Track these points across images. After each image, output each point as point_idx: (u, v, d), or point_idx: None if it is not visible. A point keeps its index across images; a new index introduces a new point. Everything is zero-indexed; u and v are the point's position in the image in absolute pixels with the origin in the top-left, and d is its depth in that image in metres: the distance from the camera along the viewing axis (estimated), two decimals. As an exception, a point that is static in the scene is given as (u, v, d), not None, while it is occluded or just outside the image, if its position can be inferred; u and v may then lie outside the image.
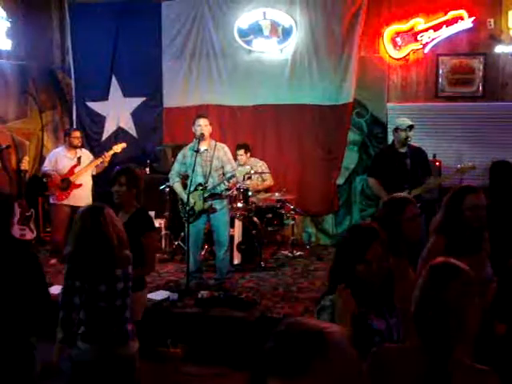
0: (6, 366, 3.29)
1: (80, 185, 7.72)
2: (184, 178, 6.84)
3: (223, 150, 6.75)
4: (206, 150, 6.63)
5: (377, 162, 6.89)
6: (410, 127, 6.54)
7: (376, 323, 2.54)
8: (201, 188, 6.54)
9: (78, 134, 7.92)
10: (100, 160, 7.80)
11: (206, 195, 6.53)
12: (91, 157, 8.04)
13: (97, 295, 3.46)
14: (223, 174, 6.70)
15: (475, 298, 2.01)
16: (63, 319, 3.49)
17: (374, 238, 2.58)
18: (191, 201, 6.50)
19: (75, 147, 7.83)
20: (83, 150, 8.04)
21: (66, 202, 7.66)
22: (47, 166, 7.81)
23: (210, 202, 6.58)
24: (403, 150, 6.51)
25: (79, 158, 7.81)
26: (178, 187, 6.82)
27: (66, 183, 7.66)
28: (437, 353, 1.97)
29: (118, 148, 8.15)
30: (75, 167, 7.78)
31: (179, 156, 6.86)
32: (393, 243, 3.16)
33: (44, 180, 8.00)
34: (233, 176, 6.76)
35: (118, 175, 4.49)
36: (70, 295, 3.48)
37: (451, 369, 1.95)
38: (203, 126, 6.61)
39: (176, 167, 6.83)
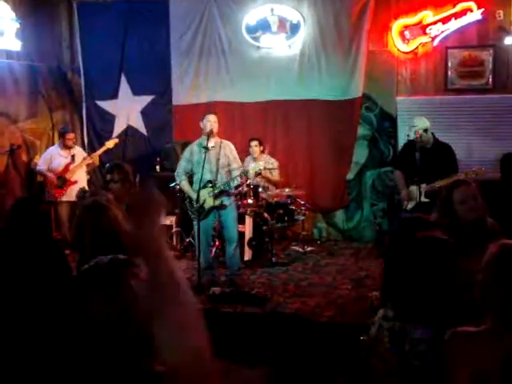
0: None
1: (75, 181, 8.02)
2: (189, 176, 6.86)
3: (229, 148, 6.79)
4: (213, 147, 6.65)
5: (399, 154, 7.18)
6: (413, 127, 6.58)
7: (420, 332, 2.49)
8: (210, 185, 6.57)
9: (72, 135, 8.28)
10: (89, 159, 8.15)
11: (216, 192, 6.56)
12: (84, 153, 8.41)
13: None
14: (229, 171, 6.71)
15: None
16: None
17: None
18: (201, 198, 6.53)
19: (70, 147, 8.15)
20: (76, 147, 8.33)
21: (64, 198, 7.97)
22: (42, 164, 8.14)
23: (221, 199, 6.61)
24: (422, 145, 6.52)
25: (73, 156, 8.16)
26: (185, 185, 6.81)
27: (62, 181, 7.96)
28: None
29: (111, 143, 8.42)
30: (70, 165, 8.09)
31: (186, 153, 6.86)
32: (452, 227, 3.37)
33: (38, 179, 8.23)
34: (246, 172, 6.73)
35: (110, 173, 4.53)
36: None
37: None
38: (213, 122, 6.63)
39: (182, 165, 6.83)
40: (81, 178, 8.13)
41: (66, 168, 8.03)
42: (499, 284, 2.08)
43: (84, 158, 8.19)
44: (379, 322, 2.59)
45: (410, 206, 6.54)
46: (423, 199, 6.34)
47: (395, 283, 2.61)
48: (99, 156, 8.40)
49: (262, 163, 7.09)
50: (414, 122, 6.61)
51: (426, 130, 6.55)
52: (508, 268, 2.08)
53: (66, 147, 8.13)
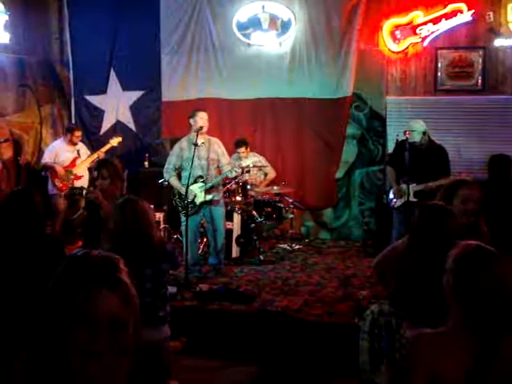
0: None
1: (81, 176, 8.01)
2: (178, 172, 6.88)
3: (217, 144, 6.87)
4: (203, 143, 6.69)
5: (392, 152, 7.19)
6: (412, 131, 6.61)
7: (410, 332, 2.46)
8: (201, 180, 6.61)
9: (80, 132, 8.20)
10: (96, 155, 8.06)
11: (208, 187, 6.64)
12: (87, 150, 8.31)
13: None
14: (218, 167, 6.82)
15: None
16: None
17: None
18: (192, 194, 6.55)
19: (75, 144, 8.09)
20: (80, 143, 8.21)
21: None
22: (47, 158, 8.04)
23: (212, 194, 6.68)
24: (418, 146, 6.60)
25: (78, 151, 8.07)
26: (175, 181, 6.83)
27: (69, 174, 7.91)
28: (486, 335, 1.99)
29: (115, 141, 8.31)
30: (76, 159, 8.02)
31: (176, 149, 6.85)
32: None
33: (42, 173, 8.11)
34: (240, 166, 6.96)
35: (99, 169, 4.51)
36: None
37: (500, 349, 1.97)
38: (205, 119, 6.68)
39: (172, 161, 6.82)
40: (85, 174, 8.10)
41: (73, 162, 7.98)
42: (459, 286, 2.06)
43: (89, 156, 8.12)
44: (373, 317, 2.58)
45: (398, 203, 6.60)
46: (412, 199, 6.38)
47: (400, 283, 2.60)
48: (104, 153, 8.28)
49: (256, 159, 7.21)
50: (411, 127, 6.62)
51: (424, 133, 6.59)
52: (467, 270, 2.05)
53: (72, 143, 8.05)
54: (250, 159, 7.08)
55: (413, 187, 6.46)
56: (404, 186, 6.48)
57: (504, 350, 1.96)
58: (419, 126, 6.60)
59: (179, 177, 6.88)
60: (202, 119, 6.65)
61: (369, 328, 2.58)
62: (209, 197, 6.67)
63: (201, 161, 6.65)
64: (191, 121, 6.73)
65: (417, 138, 6.57)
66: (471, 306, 2.02)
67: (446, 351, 2.02)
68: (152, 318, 3.59)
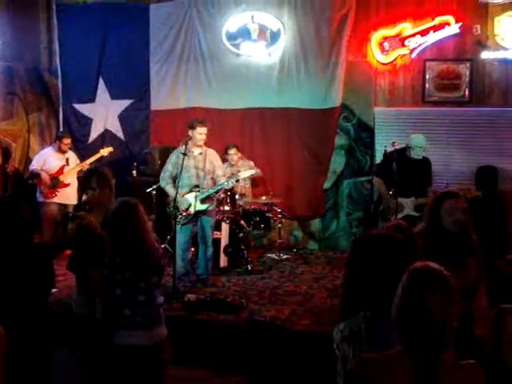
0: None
1: (68, 184, 7.94)
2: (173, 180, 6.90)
3: (214, 155, 6.95)
4: (200, 153, 6.77)
5: (380, 164, 7.27)
6: (419, 148, 6.76)
7: None
8: (197, 189, 6.66)
9: (68, 140, 8.12)
10: (80, 167, 7.97)
11: (203, 196, 6.70)
12: (77, 158, 8.25)
13: (137, 290, 3.53)
14: (213, 178, 6.88)
15: (455, 303, 2.01)
16: (108, 309, 3.54)
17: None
18: (188, 202, 6.62)
19: (64, 152, 8.02)
20: (70, 151, 8.15)
21: (55, 199, 7.87)
22: (35, 164, 7.99)
23: (208, 204, 6.76)
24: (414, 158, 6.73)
25: (67, 159, 8.02)
26: (170, 189, 6.83)
27: (55, 182, 7.85)
28: (422, 356, 1.97)
29: (105, 151, 8.26)
30: (64, 167, 7.96)
31: (173, 158, 6.84)
32: (436, 236, 3.50)
33: (29, 181, 8.05)
34: (237, 178, 7.06)
35: (87, 179, 4.50)
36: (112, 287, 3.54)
37: (437, 369, 1.95)
38: (204, 134, 6.74)
39: (169, 169, 6.83)
40: (73, 182, 8.03)
41: (61, 170, 7.92)
42: (402, 306, 2.02)
43: (77, 164, 8.06)
44: (356, 322, 2.54)
45: (399, 215, 6.60)
46: (413, 213, 6.45)
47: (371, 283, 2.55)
48: (91, 163, 8.21)
49: (255, 171, 7.40)
50: (419, 143, 6.72)
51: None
52: (409, 291, 2.01)
53: (61, 151, 7.99)
54: (249, 171, 7.26)
55: (412, 201, 6.52)
56: (397, 201, 6.51)
57: (443, 369, 1.96)
58: (425, 142, 6.71)
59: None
60: (200, 135, 6.72)
61: (352, 335, 2.53)
62: (204, 206, 6.73)
63: (197, 170, 6.73)
64: (190, 132, 6.75)
65: (421, 154, 6.68)
66: (403, 327, 2.01)
67: (389, 373, 2.00)
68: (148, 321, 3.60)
